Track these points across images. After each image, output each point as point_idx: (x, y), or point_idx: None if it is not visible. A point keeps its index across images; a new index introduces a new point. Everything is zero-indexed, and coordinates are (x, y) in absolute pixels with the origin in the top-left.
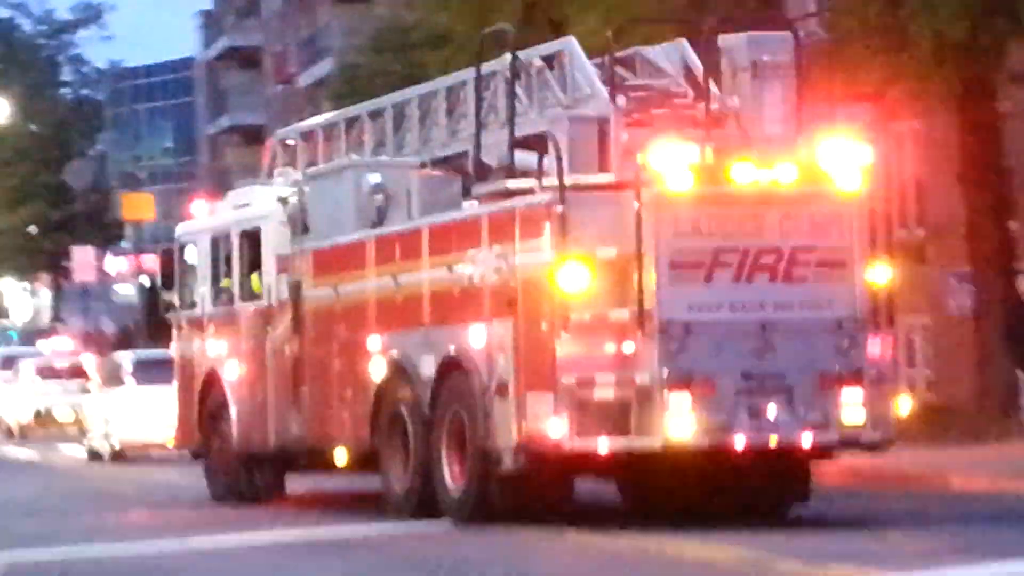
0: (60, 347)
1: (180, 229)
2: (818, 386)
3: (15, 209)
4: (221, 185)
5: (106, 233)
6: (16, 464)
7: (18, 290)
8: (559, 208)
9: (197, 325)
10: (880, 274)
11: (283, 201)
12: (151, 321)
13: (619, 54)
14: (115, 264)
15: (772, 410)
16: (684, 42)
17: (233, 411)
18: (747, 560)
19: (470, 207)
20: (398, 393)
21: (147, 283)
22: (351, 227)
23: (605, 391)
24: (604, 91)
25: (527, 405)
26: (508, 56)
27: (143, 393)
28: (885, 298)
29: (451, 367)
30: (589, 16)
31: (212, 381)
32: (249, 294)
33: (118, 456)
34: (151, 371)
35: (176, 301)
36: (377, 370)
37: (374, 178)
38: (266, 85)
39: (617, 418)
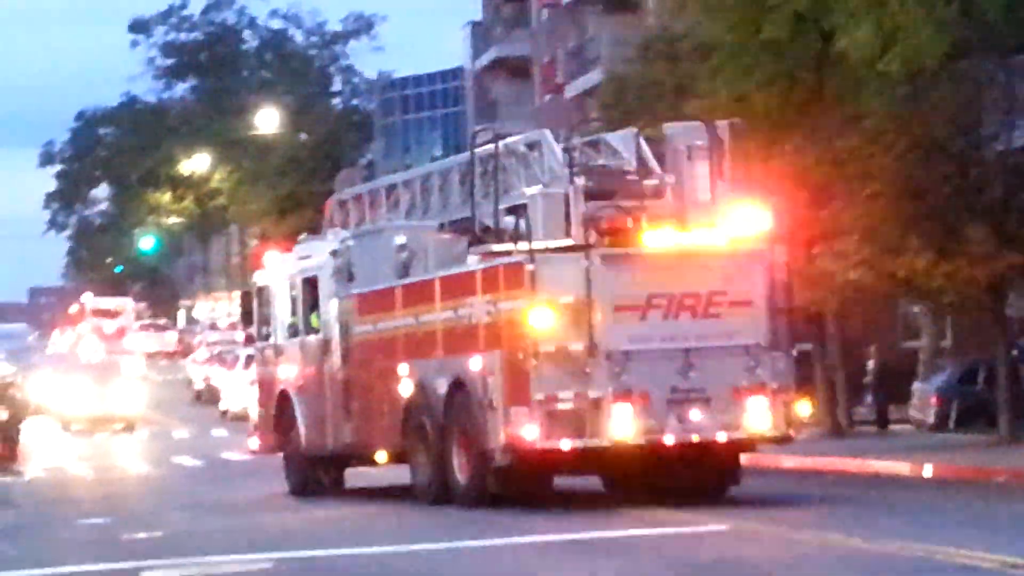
0: None
1: (256, 276)
2: (731, 396)
3: (285, 217)
4: None
5: None
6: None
7: None
8: (530, 266)
9: (272, 353)
10: (779, 309)
11: (334, 255)
12: None
13: (587, 139)
14: None
15: (695, 415)
16: (635, 130)
17: (301, 422)
18: (1007, 563)
19: (470, 263)
20: (421, 407)
21: None
22: (384, 277)
23: (566, 404)
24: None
25: (510, 415)
26: (513, 139)
27: None
28: (784, 328)
29: (457, 387)
30: (860, 26)
31: (284, 398)
32: (310, 329)
33: None
34: None
35: (255, 333)
36: (405, 389)
37: (399, 239)
38: (534, 95)
39: (576, 424)
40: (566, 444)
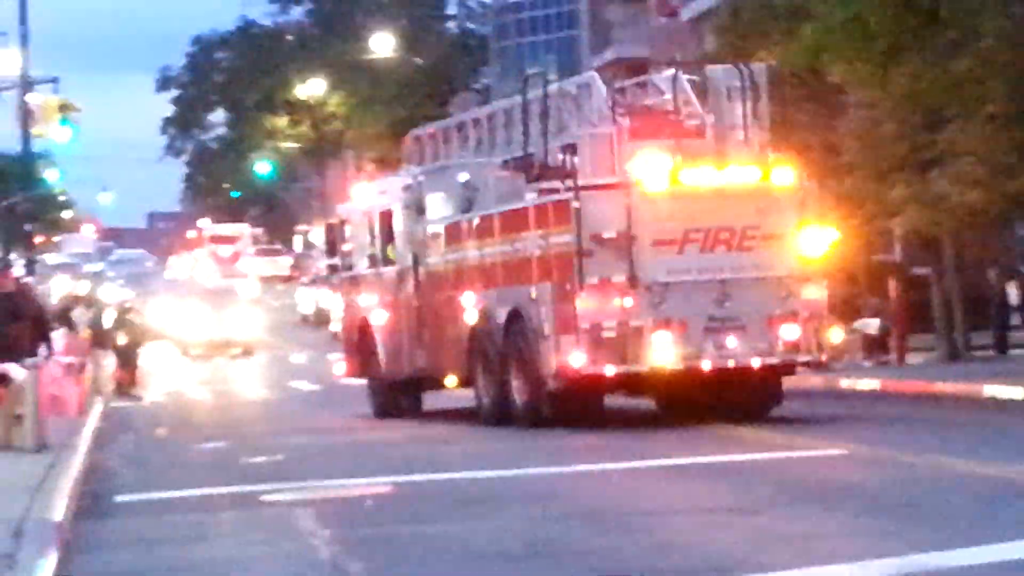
0: None
1: (340, 208)
2: (765, 324)
3: (400, 142)
4: None
5: None
6: None
7: None
8: (575, 203)
9: (354, 283)
10: (811, 242)
11: (406, 190)
12: None
13: (638, 80)
14: None
15: (731, 342)
16: (679, 72)
17: (380, 348)
18: None
19: (526, 200)
20: (484, 334)
21: None
22: (451, 212)
23: (610, 332)
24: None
25: (560, 343)
26: (567, 80)
27: None
28: (816, 259)
29: (515, 316)
30: None
31: (365, 325)
32: (387, 261)
33: None
34: None
35: (339, 264)
36: (470, 317)
37: (463, 176)
38: (650, 18)
39: (619, 351)
40: (610, 369)
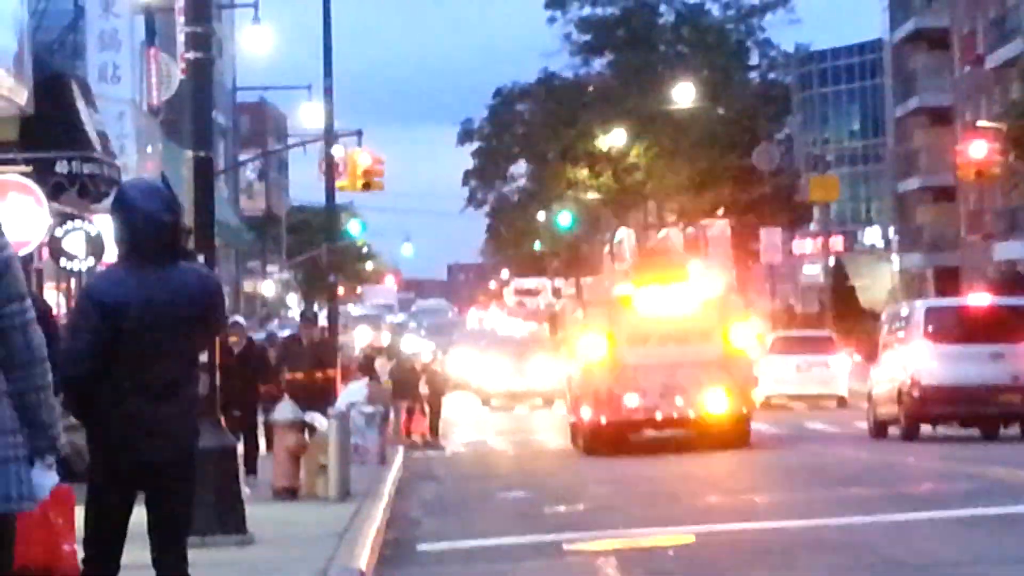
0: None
1: (558, 303)
2: (700, 389)
3: (702, 192)
4: (909, 168)
5: (793, 215)
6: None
7: None
8: (581, 313)
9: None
10: (734, 336)
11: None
12: (838, 300)
13: (661, 234)
14: (802, 245)
15: (678, 401)
16: (683, 227)
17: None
18: None
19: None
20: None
21: (832, 263)
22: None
23: (602, 395)
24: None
25: (582, 401)
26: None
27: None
28: (736, 345)
29: (573, 381)
30: None
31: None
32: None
33: None
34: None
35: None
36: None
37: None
38: (954, 66)
39: (608, 407)
40: (602, 420)
